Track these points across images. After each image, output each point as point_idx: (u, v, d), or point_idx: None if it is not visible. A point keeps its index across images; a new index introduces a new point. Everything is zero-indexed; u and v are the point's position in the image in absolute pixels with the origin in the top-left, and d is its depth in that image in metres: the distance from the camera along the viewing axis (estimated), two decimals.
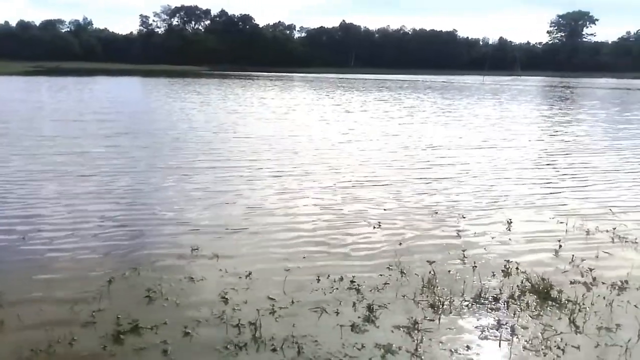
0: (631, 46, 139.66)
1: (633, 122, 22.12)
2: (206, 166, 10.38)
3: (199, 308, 4.37)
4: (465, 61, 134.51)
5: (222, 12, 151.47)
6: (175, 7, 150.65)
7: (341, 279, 5.01)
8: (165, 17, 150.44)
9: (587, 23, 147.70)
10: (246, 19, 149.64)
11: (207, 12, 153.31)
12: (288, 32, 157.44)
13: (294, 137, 14.81)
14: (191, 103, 26.10)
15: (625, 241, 6.31)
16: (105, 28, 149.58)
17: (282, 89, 42.98)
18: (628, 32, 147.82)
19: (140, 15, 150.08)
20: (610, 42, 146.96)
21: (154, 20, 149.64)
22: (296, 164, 10.85)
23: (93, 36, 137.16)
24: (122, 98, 29.51)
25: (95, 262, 5.36)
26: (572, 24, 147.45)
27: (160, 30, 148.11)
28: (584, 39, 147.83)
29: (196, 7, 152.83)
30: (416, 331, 4.07)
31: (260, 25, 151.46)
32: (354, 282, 4.95)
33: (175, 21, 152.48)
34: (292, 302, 4.51)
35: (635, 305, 4.59)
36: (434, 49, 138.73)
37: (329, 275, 5.08)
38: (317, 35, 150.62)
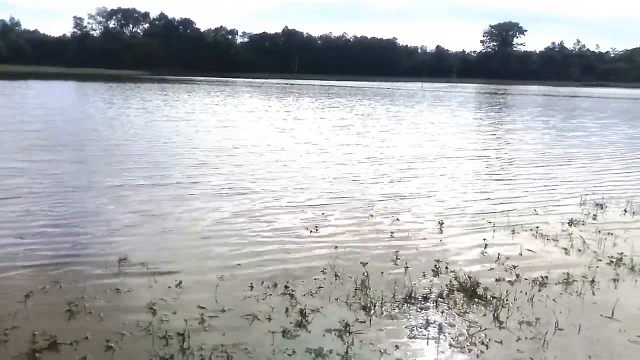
0: (556, 55, 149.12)
1: (579, 130, 23.51)
2: (141, 183, 9.19)
3: (124, 321, 4.19)
4: (404, 68, 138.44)
5: (162, 16, 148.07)
6: (112, 9, 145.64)
7: (275, 285, 4.97)
8: (101, 19, 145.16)
9: (517, 33, 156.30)
10: (187, 23, 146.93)
11: (146, 15, 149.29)
12: (230, 37, 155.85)
13: (242, 147, 14.53)
14: (131, 110, 24.63)
15: (547, 239, 6.66)
16: (36, 29, 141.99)
17: (229, 95, 41.98)
18: (553, 43, 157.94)
19: (74, 17, 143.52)
20: (537, 52, 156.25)
21: (89, 23, 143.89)
22: (240, 172, 10.70)
23: (22, 37, 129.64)
24: (52, 104, 26.90)
25: (12, 277, 5.02)
26: (503, 34, 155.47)
27: (96, 33, 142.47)
28: (514, 49, 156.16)
29: (134, 10, 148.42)
30: (347, 334, 4.10)
31: (202, 30, 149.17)
32: (288, 287, 4.92)
33: (112, 24, 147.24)
34: (223, 310, 4.42)
35: (553, 300, 4.84)
36: (375, 55, 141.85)
37: (262, 282, 5.02)
38: (260, 41, 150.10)
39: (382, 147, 14.68)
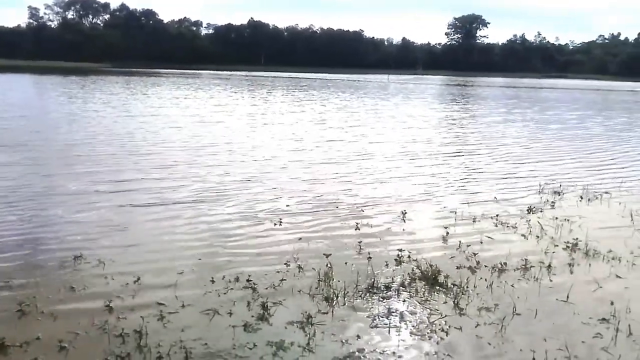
0: (517, 47, 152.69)
1: (554, 123, 24.06)
2: (101, 185, 8.90)
3: (79, 320, 4.05)
4: (371, 60, 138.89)
5: (123, 7, 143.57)
6: None
7: (237, 278, 4.90)
8: (59, 9, 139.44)
9: (480, 26, 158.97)
10: (149, 14, 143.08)
11: (106, 5, 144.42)
12: (194, 28, 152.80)
13: (215, 146, 14.23)
14: (93, 104, 23.16)
15: (507, 226, 6.81)
16: None
17: (199, 88, 40.39)
18: (515, 35, 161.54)
19: (29, 7, 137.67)
20: (500, 44, 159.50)
21: (45, 13, 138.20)
22: (211, 165, 10.52)
23: None
24: (8, 100, 25.16)
25: None
26: (467, 26, 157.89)
27: (54, 24, 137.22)
28: (478, 41, 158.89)
29: (93, 0, 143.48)
30: (309, 325, 4.08)
31: (165, 21, 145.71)
32: (250, 280, 4.86)
33: (70, 14, 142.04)
34: (183, 305, 4.33)
35: (512, 285, 4.95)
36: (341, 48, 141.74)
37: (224, 276, 4.94)
38: (226, 33, 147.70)
39: (353, 141, 14.71)
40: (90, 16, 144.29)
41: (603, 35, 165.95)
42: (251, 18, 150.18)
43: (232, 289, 4.70)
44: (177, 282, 4.77)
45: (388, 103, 30.85)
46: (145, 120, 18.06)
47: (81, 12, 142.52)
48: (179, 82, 48.84)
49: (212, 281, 4.83)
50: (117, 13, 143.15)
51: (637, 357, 3.79)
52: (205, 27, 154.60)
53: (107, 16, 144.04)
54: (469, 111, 27.07)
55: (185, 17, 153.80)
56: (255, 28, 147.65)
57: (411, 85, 59.98)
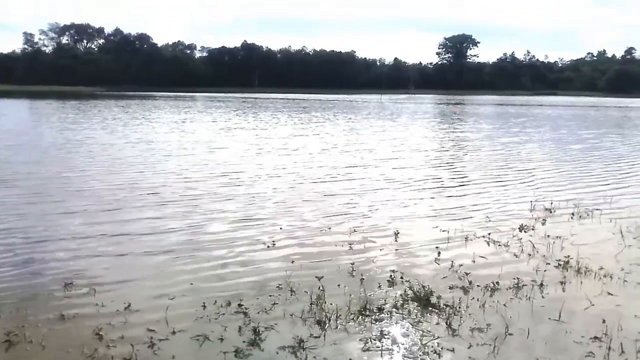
0: (507, 66, 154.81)
1: (580, 142, 24.23)
2: (97, 219, 8.95)
3: (68, 349, 4.00)
4: (363, 80, 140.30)
5: (117, 31, 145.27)
6: (65, 24, 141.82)
7: (229, 303, 4.87)
8: (54, 35, 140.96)
9: (470, 45, 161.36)
10: (143, 38, 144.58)
11: (100, 30, 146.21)
12: (189, 51, 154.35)
13: (218, 168, 14.32)
14: (95, 131, 21.87)
15: (499, 245, 6.83)
16: None
17: (199, 112, 39.39)
18: (505, 54, 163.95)
19: (24, 33, 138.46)
20: (490, 63, 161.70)
21: (40, 39, 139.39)
22: (205, 187, 10.52)
23: None
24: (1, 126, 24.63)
25: None
26: (457, 46, 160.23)
27: (48, 49, 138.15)
28: (469, 60, 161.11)
29: (88, 25, 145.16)
30: (301, 350, 4.05)
31: (159, 45, 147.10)
32: (242, 305, 4.83)
33: (64, 40, 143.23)
34: (174, 332, 4.29)
35: (504, 305, 4.95)
36: (334, 69, 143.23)
37: (215, 301, 4.91)
38: (219, 55, 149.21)
39: (354, 160, 14.78)
40: (85, 41, 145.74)
41: (591, 53, 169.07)
42: (245, 41, 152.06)
43: (223, 313, 4.67)
44: (168, 307, 4.73)
45: (395, 124, 30.48)
46: (150, 147, 17.10)
47: (76, 37, 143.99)
48: (177, 105, 48.66)
49: (204, 306, 4.79)
50: (112, 37, 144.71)
51: None
52: (199, 50, 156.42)
53: (101, 41, 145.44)
54: (482, 131, 26.33)
55: (179, 41, 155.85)
56: (249, 50, 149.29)
57: (411, 105, 60.03)
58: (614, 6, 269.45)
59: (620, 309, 4.87)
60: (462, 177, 12.23)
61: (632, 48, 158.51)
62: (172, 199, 9.34)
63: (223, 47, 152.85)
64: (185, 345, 4.08)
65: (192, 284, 5.37)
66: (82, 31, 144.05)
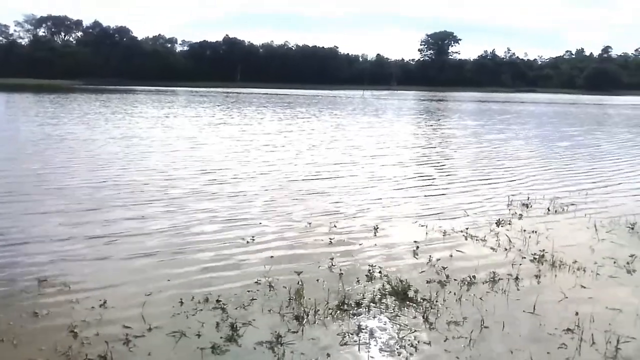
0: (488, 63, 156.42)
1: (566, 139, 24.51)
2: (71, 214, 9.01)
3: (41, 347, 3.93)
4: (346, 76, 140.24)
5: (96, 24, 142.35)
6: (41, 16, 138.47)
7: (206, 299, 4.84)
8: (30, 27, 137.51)
9: (452, 42, 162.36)
10: (122, 31, 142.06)
11: (79, 23, 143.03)
12: (169, 45, 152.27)
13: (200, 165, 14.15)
14: (75, 126, 21.25)
15: (476, 239, 6.91)
16: None
17: (182, 107, 38.55)
18: (485, 51, 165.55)
19: None
20: (472, 60, 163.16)
21: (15, 30, 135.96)
22: (183, 183, 10.41)
23: None
24: None
25: None
26: (439, 43, 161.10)
27: (24, 41, 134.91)
28: (450, 57, 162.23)
29: (66, 18, 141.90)
30: (279, 345, 4.05)
31: (139, 38, 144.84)
32: (220, 301, 4.81)
33: (41, 32, 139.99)
34: (150, 328, 4.25)
35: (480, 298, 5.02)
36: (317, 64, 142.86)
37: (193, 297, 4.87)
38: (201, 49, 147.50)
39: (338, 156, 14.78)
40: (62, 33, 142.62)
41: (570, 51, 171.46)
42: (226, 35, 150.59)
43: (201, 309, 4.64)
44: (144, 304, 4.68)
45: (381, 120, 30.45)
46: (129, 142, 16.67)
47: (53, 30, 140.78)
48: (160, 100, 47.57)
49: (181, 302, 4.76)
50: (90, 30, 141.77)
51: None
52: (180, 44, 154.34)
53: (79, 33, 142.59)
54: (467, 128, 26.38)
55: (159, 34, 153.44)
56: (231, 45, 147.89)
57: (395, 101, 60.14)
58: (592, 6, 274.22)
59: (592, 301, 4.98)
60: (444, 174, 12.34)
61: (608, 47, 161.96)
62: (155, 197, 9.23)
63: (204, 41, 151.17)
64: (161, 342, 4.05)
65: (169, 280, 5.32)
66: (59, 23, 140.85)
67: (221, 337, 4.14)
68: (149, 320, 4.39)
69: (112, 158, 13.35)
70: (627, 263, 6.03)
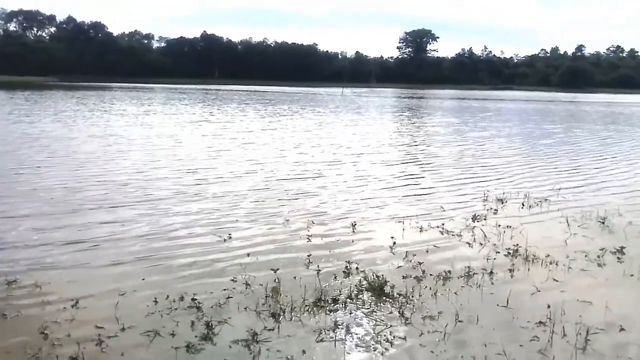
0: (466, 61, 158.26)
1: (547, 137, 24.78)
2: (41, 210, 9.08)
3: (9, 350, 3.84)
4: (326, 73, 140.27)
5: (70, 19, 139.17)
6: (12, 10, 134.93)
7: (182, 298, 4.78)
8: (0, 21, 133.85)
9: (430, 40, 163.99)
10: (97, 26, 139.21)
11: (52, 18, 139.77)
12: (146, 41, 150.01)
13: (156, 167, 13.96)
14: (47, 124, 21.04)
15: (452, 235, 6.99)
16: None
17: (161, 104, 37.67)
18: (463, 49, 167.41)
19: None
20: (449, 58, 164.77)
21: None
22: (160, 180, 10.26)
23: None
24: None
25: None
26: (417, 40, 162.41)
27: None
28: (428, 54, 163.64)
29: (38, 12, 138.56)
30: (255, 343, 4.03)
31: (115, 34, 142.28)
32: (195, 299, 4.75)
33: (12, 27, 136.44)
34: (123, 328, 4.18)
35: (455, 293, 5.07)
36: (296, 61, 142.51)
37: (168, 296, 4.81)
38: (178, 46, 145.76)
39: (318, 152, 14.76)
40: (35, 29, 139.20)
41: (545, 49, 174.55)
42: (204, 31, 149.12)
43: (176, 309, 4.58)
44: (118, 304, 4.60)
45: (364, 117, 30.27)
46: (111, 142, 16.27)
47: (25, 25, 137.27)
48: (139, 97, 46.44)
49: (155, 301, 4.69)
50: (64, 26, 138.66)
51: (571, 357, 3.95)
52: (157, 41, 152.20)
53: (53, 29, 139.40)
54: (451, 125, 26.42)
55: (136, 30, 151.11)
56: (209, 41, 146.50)
57: (376, 99, 60.05)
58: (566, 6, 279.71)
59: (564, 295, 5.08)
60: (424, 171, 12.43)
61: (582, 45, 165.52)
62: (134, 199, 9.08)
63: (182, 37, 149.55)
64: (134, 342, 3.99)
65: (143, 279, 5.24)
66: (31, 18, 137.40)
67: (196, 336, 4.10)
68: (122, 320, 4.32)
69: (90, 157, 13.00)
70: (598, 256, 6.17)
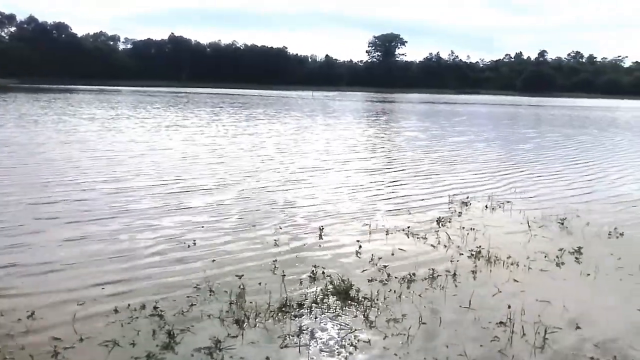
0: (434, 65, 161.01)
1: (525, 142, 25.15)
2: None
3: None
4: (295, 77, 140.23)
5: (31, 19, 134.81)
6: None
7: (143, 306, 4.68)
8: None
9: (398, 44, 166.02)
10: (61, 27, 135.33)
11: (12, 17, 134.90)
12: (112, 43, 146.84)
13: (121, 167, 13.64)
14: (11, 129, 20.47)
15: (417, 237, 7.08)
16: None
17: (133, 107, 36.44)
18: (430, 54, 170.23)
19: None
20: (417, 62, 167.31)
21: None
22: (125, 185, 10.02)
23: None
24: None
25: None
26: (386, 45, 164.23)
27: None
28: (397, 59, 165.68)
29: None
30: (218, 351, 3.97)
31: (79, 35, 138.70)
32: (157, 307, 4.65)
33: None
34: (81, 339, 4.06)
35: (419, 295, 5.13)
36: (266, 64, 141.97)
37: (129, 305, 4.70)
38: (145, 48, 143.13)
39: (281, 160, 14.70)
40: None
41: (509, 54, 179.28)
42: (172, 33, 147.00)
43: (136, 317, 4.48)
44: (75, 314, 4.46)
45: (340, 122, 29.95)
46: (79, 149, 16.22)
47: None
48: (108, 100, 44.68)
49: (116, 311, 4.57)
50: (25, 26, 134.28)
51: (530, 356, 4.05)
52: (123, 42, 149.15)
53: (13, 29, 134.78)
54: (429, 130, 26.55)
55: (101, 31, 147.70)
56: (177, 43, 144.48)
57: (349, 103, 60.05)
58: (529, 13, 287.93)
59: (524, 295, 5.20)
60: (393, 175, 12.55)
61: (544, 51, 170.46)
62: (96, 208, 8.84)
63: (149, 39, 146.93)
64: (92, 353, 3.87)
65: (103, 288, 5.10)
66: None
67: (157, 345, 4.02)
68: (80, 330, 4.19)
69: (59, 167, 11.99)
70: (557, 257, 6.35)
